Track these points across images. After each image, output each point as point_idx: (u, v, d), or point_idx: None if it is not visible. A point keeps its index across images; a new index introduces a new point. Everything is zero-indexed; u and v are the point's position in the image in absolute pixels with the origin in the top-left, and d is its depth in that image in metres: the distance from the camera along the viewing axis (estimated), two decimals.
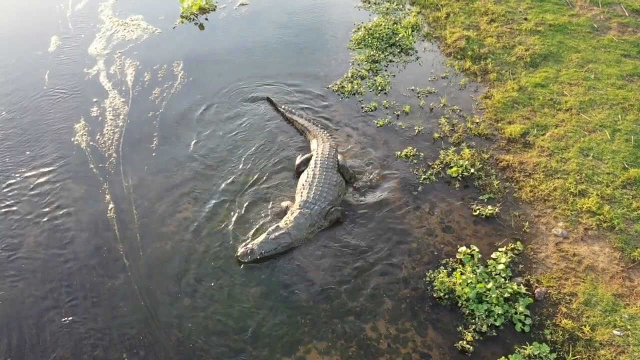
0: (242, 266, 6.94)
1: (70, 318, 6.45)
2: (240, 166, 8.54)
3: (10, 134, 9.50)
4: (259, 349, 6.04)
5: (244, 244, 7.19)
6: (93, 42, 12.30)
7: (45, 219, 7.77)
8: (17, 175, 8.59)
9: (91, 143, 9.19)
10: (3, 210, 7.96)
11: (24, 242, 7.45)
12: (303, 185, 7.73)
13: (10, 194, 8.24)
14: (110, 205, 7.93)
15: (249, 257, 6.94)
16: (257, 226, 7.47)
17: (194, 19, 13.33)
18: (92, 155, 8.92)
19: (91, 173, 8.56)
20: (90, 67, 11.32)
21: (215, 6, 13.88)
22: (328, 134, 8.84)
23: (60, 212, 7.87)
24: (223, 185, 8.19)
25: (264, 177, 8.33)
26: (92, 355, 6.06)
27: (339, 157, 8.30)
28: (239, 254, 7.01)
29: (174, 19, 13.30)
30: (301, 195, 7.57)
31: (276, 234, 7.07)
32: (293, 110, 9.61)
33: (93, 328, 6.33)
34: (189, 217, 7.69)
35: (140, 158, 8.83)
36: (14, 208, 7.98)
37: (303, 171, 8.11)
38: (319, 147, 8.40)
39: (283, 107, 9.73)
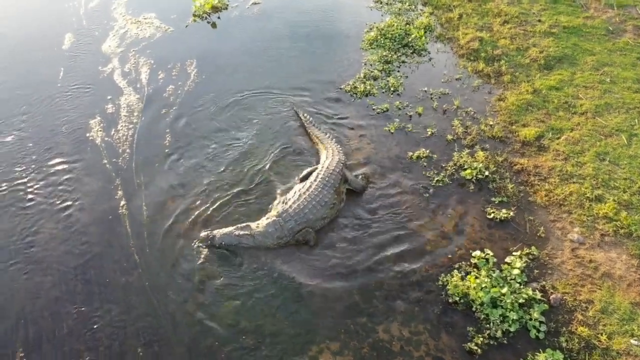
0: (253, 266, 6.97)
1: (86, 311, 6.50)
2: (253, 165, 8.55)
3: (27, 129, 9.56)
4: (271, 347, 6.05)
5: (210, 228, 7.35)
6: (107, 40, 12.35)
7: (61, 213, 7.84)
8: (34, 169, 8.66)
9: (106, 139, 9.24)
10: (20, 202, 8.03)
11: (40, 235, 7.52)
12: (294, 193, 7.61)
13: (27, 187, 8.32)
14: (122, 202, 7.97)
15: (208, 242, 7.13)
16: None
17: (206, 18, 13.35)
18: (107, 151, 8.97)
19: (105, 169, 8.62)
20: (104, 65, 11.36)
21: (228, 5, 13.89)
22: (339, 149, 8.51)
23: (75, 207, 7.93)
24: (234, 184, 8.21)
25: (277, 180, 8.33)
26: (107, 348, 6.11)
27: (347, 172, 8.04)
28: (201, 235, 7.21)
29: (187, 18, 13.31)
30: (285, 203, 7.49)
31: (242, 232, 7.15)
32: (311, 120, 9.37)
33: (108, 322, 6.38)
34: (200, 215, 7.71)
35: (153, 155, 8.87)
36: (31, 201, 8.06)
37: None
38: (325, 161, 8.17)
39: (305, 114, 9.53)
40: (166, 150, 8.95)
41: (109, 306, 6.56)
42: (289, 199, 7.52)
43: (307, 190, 7.52)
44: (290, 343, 6.09)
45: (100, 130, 9.43)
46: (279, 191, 8.03)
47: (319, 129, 9.13)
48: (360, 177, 8.16)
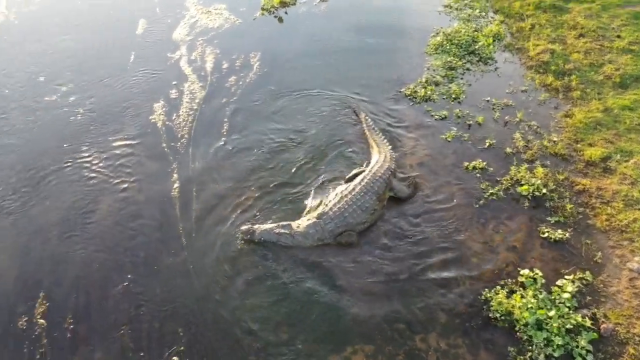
0: (294, 260, 7.02)
1: (132, 287, 6.76)
2: (304, 162, 8.61)
3: (96, 108, 10.08)
4: (305, 342, 6.07)
5: (252, 222, 7.44)
6: (177, 27, 12.80)
7: (119, 190, 8.21)
8: (99, 147, 9.11)
9: (167, 123, 9.58)
10: (83, 178, 8.47)
11: (98, 209, 7.90)
12: (336, 194, 7.54)
13: (91, 164, 8.76)
14: (176, 185, 8.22)
15: (248, 236, 7.16)
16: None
17: (274, 12, 13.57)
18: (166, 134, 9.31)
19: (163, 152, 8.94)
20: (173, 51, 11.79)
21: (296, 0, 14.04)
22: (392, 156, 8.35)
23: (132, 187, 8.27)
24: (283, 179, 8.28)
25: (327, 173, 8.34)
26: (149, 324, 6.33)
27: (394, 181, 7.89)
28: (242, 228, 7.26)
29: (255, 11, 13.58)
30: (326, 205, 7.45)
31: (282, 230, 7.16)
32: (370, 121, 9.26)
33: (152, 300, 6.61)
34: (246, 205, 7.85)
35: (209, 142, 9.11)
36: (93, 178, 8.48)
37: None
38: (374, 165, 8.04)
39: (364, 115, 9.45)
40: (222, 139, 9.17)
41: (155, 284, 6.78)
42: (330, 201, 7.48)
43: (350, 193, 7.45)
44: (325, 341, 6.08)
45: (163, 115, 9.79)
46: (313, 189, 8.03)
47: (376, 131, 9.02)
48: (407, 184, 8.02)
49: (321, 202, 7.68)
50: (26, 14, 14.16)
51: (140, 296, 6.66)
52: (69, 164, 8.74)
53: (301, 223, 7.28)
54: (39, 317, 6.43)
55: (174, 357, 5.96)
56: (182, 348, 6.05)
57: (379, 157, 8.28)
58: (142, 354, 6.03)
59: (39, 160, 8.84)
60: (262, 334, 6.17)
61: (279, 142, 9.06)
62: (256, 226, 7.28)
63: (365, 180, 7.63)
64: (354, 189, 7.51)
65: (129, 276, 6.90)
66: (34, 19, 13.86)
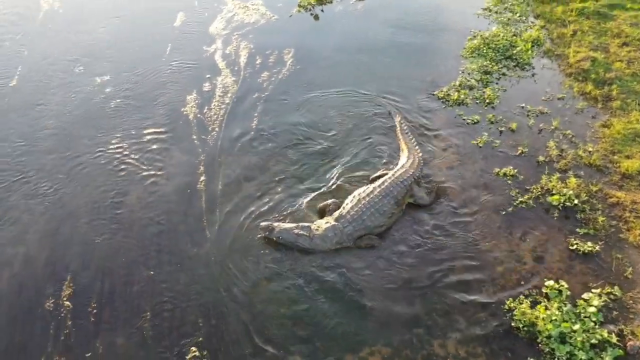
0: (316, 259, 7.03)
1: (156, 276, 6.89)
2: (333, 158, 8.63)
3: (130, 99, 10.30)
4: (323, 340, 6.08)
5: (273, 219, 7.48)
6: (214, 21, 12.97)
7: (148, 180, 8.37)
8: (131, 134, 9.35)
9: (198, 115, 9.72)
10: (115, 164, 8.69)
11: (127, 197, 8.07)
12: (354, 196, 7.46)
13: (123, 151, 8.97)
14: (202, 177, 8.33)
15: (267, 232, 7.18)
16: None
17: (310, 9, 13.59)
18: (197, 127, 9.45)
19: (193, 144, 9.06)
20: (209, 45, 11.95)
21: None
22: (419, 162, 8.21)
23: (161, 176, 8.43)
24: (308, 178, 8.29)
25: (352, 173, 8.34)
26: (170, 313, 6.44)
27: (415, 188, 7.73)
28: (262, 224, 7.29)
29: (292, 8, 13.63)
30: (344, 208, 7.38)
31: (301, 232, 7.11)
32: (405, 126, 9.11)
33: (174, 289, 6.71)
34: (271, 200, 7.91)
35: (238, 136, 9.20)
36: (123, 164, 8.68)
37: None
38: (398, 169, 7.99)
39: (398, 117, 9.37)
40: (251, 133, 9.26)
41: (178, 275, 6.89)
42: (348, 204, 7.43)
43: (368, 196, 7.39)
44: (343, 340, 6.07)
45: (195, 107, 9.93)
46: (334, 188, 8.04)
47: (408, 135, 8.89)
48: (429, 190, 7.88)
49: (339, 204, 7.63)
50: (70, 3, 14.58)
51: (163, 285, 6.77)
52: (101, 152, 8.96)
53: (320, 225, 7.23)
54: (65, 299, 6.62)
55: (192, 347, 6.05)
56: (200, 339, 6.13)
57: (406, 161, 8.19)
58: (162, 342, 6.14)
59: (73, 147, 9.09)
60: (280, 330, 6.20)
61: (308, 140, 9.07)
62: (276, 224, 7.29)
63: (386, 184, 7.58)
64: (372, 191, 7.45)
65: (154, 265, 7.03)
66: (77, 8, 14.26)
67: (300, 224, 7.31)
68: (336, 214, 7.37)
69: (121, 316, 6.43)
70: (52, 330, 6.29)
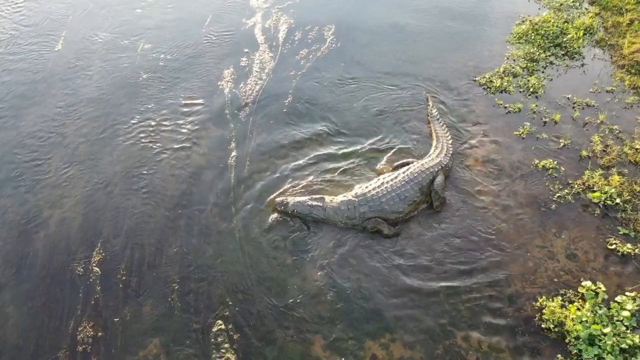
0: (347, 240, 6.99)
1: (184, 247, 6.99)
2: (364, 143, 8.50)
3: (168, 70, 10.35)
4: (346, 323, 6.09)
5: (287, 195, 7.51)
6: None
7: (181, 151, 8.46)
8: (167, 105, 9.45)
9: (234, 90, 9.70)
10: (150, 134, 8.82)
11: (161, 167, 8.19)
12: (379, 179, 7.42)
13: (159, 120, 9.09)
14: (233, 153, 8.35)
15: (282, 207, 7.28)
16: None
17: None
18: (232, 101, 9.45)
19: (225, 118, 9.09)
20: (248, 18, 11.86)
21: None
22: (447, 151, 7.94)
23: (194, 149, 8.49)
24: (337, 161, 8.20)
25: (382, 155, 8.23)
26: (197, 285, 6.55)
27: (439, 178, 7.48)
28: (277, 200, 7.41)
29: None
30: (366, 187, 7.33)
31: (315, 203, 7.20)
32: (438, 116, 8.79)
33: (202, 263, 6.80)
34: (299, 178, 7.91)
35: (271, 114, 9.16)
36: (158, 134, 8.80)
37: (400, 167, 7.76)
38: (426, 159, 7.79)
39: (433, 106, 9.04)
40: (284, 110, 9.21)
41: (205, 248, 6.97)
42: (371, 184, 7.37)
43: (392, 180, 7.30)
44: (365, 325, 6.06)
45: (230, 82, 9.92)
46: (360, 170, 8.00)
47: (440, 123, 8.61)
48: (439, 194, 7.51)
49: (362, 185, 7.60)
50: None
51: (191, 256, 6.87)
52: (137, 120, 9.09)
53: (335, 199, 7.27)
54: (94, 265, 6.79)
55: (219, 321, 6.14)
56: (226, 313, 6.21)
57: (435, 151, 7.99)
58: (189, 313, 6.25)
59: (111, 114, 9.24)
60: (303, 310, 6.22)
61: (341, 122, 8.94)
62: (290, 198, 7.37)
63: (411, 169, 7.45)
64: (397, 176, 7.36)
65: (183, 236, 7.13)
66: None
67: (314, 196, 7.37)
68: (357, 190, 7.35)
69: (149, 284, 6.56)
70: (82, 294, 6.47)
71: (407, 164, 7.79)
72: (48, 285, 6.60)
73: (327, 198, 7.29)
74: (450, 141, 8.23)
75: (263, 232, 7.15)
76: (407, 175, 7.36)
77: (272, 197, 7.59)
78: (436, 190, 7.39)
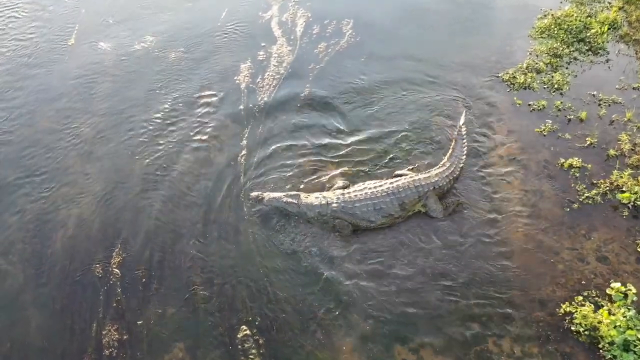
0: (371, 240, 6.91)
1: (205, 249, 6.94)
2: (379, 145, 8.37)
3: (185, 65, 10.23)
4: (375, 326, 6.03)
5: (263, 190, 7.59)
6: None
7: (197, 146, 8.45)
8: (184, 100, 9.37)
9: (250, 85, 9.59)
10: (167, 128, 8.80)
11: (178, 165, 8.16)
12: (365, 183, 7.36)
13: (176, 115, 9.04)
14: (244, 151, 8.30)
15: (257, 201, 7.40)
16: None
17: None
18: (247, 97, 9.36)
19: (240, 114, 9.03)
20: (265, 11, 11.66)
21: None
22: (451, 177, 7.49)
23: (210, 145, 8.48)
24: (349, 161, 8.14)
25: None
26: (220, 286, 6.50)
27: (432, 198, 7.21)
28: (252, 194, 7.49)
29: None
30: (349, 188, 7.34)
31: (289, 199, 7.24)
32: (465, 135, 8.05)
33: (223, 264, 6.75)
34: (315, 175, 7.90)
35: (286, 110, 9.11)
36: (175, 128, 8.78)
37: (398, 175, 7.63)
38: (423, 174, 7.44)
39: (464, 129, 8.17)
40: (298, 105, 9.14)
41: (227, 250, 6.91)
42: (355, 188, 7.31)
43: (375, 188, 7.18)
44: (396, 329, 5.99)
45: (247, 76, 9.80)
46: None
47: (464, 145, 7.95)
48: (448, 204, 7.34)
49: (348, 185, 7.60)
50: None
51: (212, 258, 6.81)
52: (153, 115, 9.05)
53: (312, 195, 7.31)
54: (114, 266, 6.73)
55: (243, 326, 6.07)
56: (250, 318, 6.14)
57: (439, 168, 7.60)
58: (213, 317, 6.19)
59: (127, 108, 9.20)
60: (329, 314, 6.16)
61: (359, 121, 8.78)
62: (266, 194, 7.38)
63: (399, 182, 7.24)
64: (382, 185, 7.21)
65: (203, 238, 7.08)
66: None
67: (289, 192, 7.40)
68: (337, 190, 7.38)
69: (171, 287, 6.51)
70: (102, 296, 6.41)
71: (405, 175, 7.57)
72: (69, 288, 6.55)
73: (303, 195, 7.33)
74: (461, 165, 7.77)
75: (274, 230, 7.15)
76: (392, 187, 7.16)
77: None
78: (433, 215, 7.22)
